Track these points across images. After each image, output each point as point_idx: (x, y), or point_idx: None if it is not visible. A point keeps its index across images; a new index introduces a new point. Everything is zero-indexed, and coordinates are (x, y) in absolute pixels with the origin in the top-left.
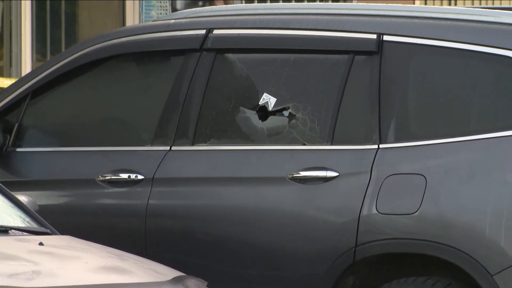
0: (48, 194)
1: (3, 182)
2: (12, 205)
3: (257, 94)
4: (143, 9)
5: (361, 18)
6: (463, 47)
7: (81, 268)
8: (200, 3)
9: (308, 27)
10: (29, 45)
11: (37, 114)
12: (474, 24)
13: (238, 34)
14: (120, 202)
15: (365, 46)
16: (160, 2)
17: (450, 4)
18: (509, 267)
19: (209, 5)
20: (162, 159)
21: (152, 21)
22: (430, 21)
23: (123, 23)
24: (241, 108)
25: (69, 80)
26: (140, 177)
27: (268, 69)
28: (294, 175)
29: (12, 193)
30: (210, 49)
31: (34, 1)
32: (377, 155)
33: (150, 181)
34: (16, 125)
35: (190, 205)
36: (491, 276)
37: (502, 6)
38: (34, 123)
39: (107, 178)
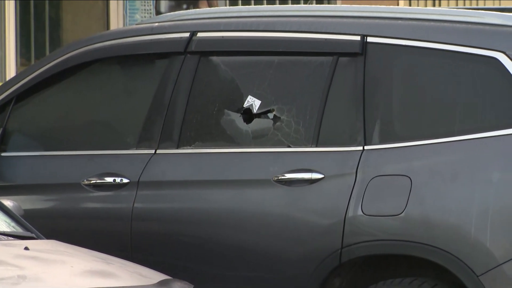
0: (34, 199)
1: None
2: None
3: (241, 96)
4: (127, 13)
5: (344, 19)
6: (447, 48)
7: (66, 272)
8: (184, 6)
9: (292, 29)
10: (13, 49)
11: (22, 119)
12: (457, 25)
13: (222, 36)
14: (106, 206)
15: (349, 47)
16: (144, 5)
17: (434, 5)
18: (494, 267)
19: (193, 8)
20: (147, 163)
21: (136, 24)
22: (414, 22)
23: (107, 27)
24: (226, 110)
25: (54, 84)
26: (125, 180)
27: (253, 72)
28: (279, 177)
29: None
30: (194, 52)
31: (18, 5)
32: (362, 157)
33: (135, 184)
34: (1, 129)
35: (176, 208)
36: (477, 276)
37: (486, 6)
38: (19, 128)
39: (92, 182)
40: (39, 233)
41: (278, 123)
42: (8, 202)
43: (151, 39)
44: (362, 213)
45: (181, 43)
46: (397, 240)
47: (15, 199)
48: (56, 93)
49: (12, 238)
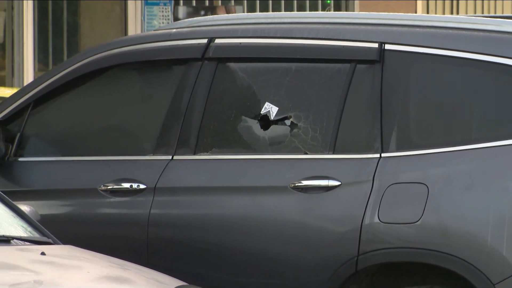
0: (50, 204)
1: (5, 192)
2: (14, 214)
3: (258, 103)
4: (145, 19)
5: (362, 27)
6: (464, 56)
7: (83, 277)
8: (202, 12)
9: (310, 36)
10: (31, 55)
11: (39, 124)
12: (475, 33)
13: (240, 43)
14: (122, 211)
15: (366, 55)
16: (162, 11)
17: (452, 13)
18: (511, 276)
19: (211, 14)
20: (164, 169)
21: (154, 30)
22: (432, 30)
23: (125, 33)
24: (243, 117)
25: (71, 89)
26: (142, 186)
27: (270, 78)
28: (296, 184)
29: (14, 202)
30: (212, 58)
31: (36, 11)
32: (379, 164)
33: (152, 190)
34: (18, 134)
35: (192, 215)
36: (493, 285)
37: (504, 15)
38: (36, 133)
39: (109, 187)
40: (55, 238)
41: (295, 130)
42: (25, 207)
43: (169, 45)
44: (378, 221)
45: (198, 49)
46: (413, 248)
47: (32, 204)
48: (73, 98)
49: (28, 243)
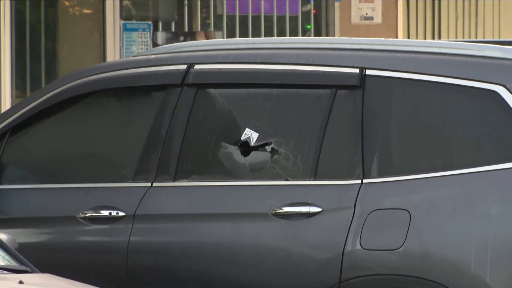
0: (29, 232)
1: None
2: None
3: (239, 129)
4: (124, 44)
5: (343, 52)
6: (446, 81)
7: None
8: (181, 38)
9: (290, 62)
10: (8, 81)
11: (17, 151)
12: (457, 58)
13: (220, 69)
14: (101, 239)
15: (347, 80)
16: (141, 37)
17: (433, 38)
18: None
19: (190, 40)
20: (143, 196)
21: (133, 56)
22: (413, 55)
23: (104, 59)
24: (223, 143)
25: (49, 116)
26: (121, 213)
27: (250, 104)
28: (277, 211)
29: None
30: (191, 84)
31: (13, 37)
32: (360, 190)
33: (131, 217)
34: None
35: (172, 242)
36: None
37: (485, 39)
38: (14, 160)
39: (88, 215)
40: (33, 267)
41: (275, 156)
42: (2, 235)
43: (148, 71)
44: (360, 247)
45: (178, 75)
46: (395, 275)
47: (10, 232)
48: (52, 125)
49: (6, 272)
